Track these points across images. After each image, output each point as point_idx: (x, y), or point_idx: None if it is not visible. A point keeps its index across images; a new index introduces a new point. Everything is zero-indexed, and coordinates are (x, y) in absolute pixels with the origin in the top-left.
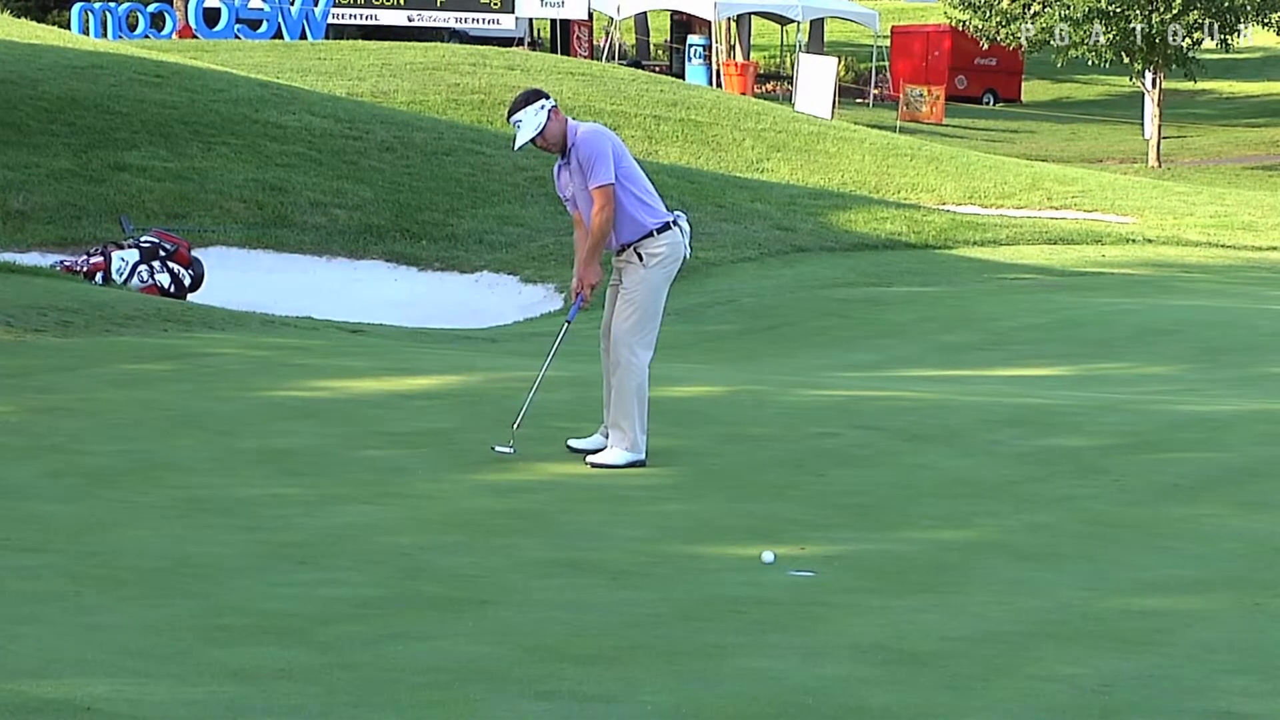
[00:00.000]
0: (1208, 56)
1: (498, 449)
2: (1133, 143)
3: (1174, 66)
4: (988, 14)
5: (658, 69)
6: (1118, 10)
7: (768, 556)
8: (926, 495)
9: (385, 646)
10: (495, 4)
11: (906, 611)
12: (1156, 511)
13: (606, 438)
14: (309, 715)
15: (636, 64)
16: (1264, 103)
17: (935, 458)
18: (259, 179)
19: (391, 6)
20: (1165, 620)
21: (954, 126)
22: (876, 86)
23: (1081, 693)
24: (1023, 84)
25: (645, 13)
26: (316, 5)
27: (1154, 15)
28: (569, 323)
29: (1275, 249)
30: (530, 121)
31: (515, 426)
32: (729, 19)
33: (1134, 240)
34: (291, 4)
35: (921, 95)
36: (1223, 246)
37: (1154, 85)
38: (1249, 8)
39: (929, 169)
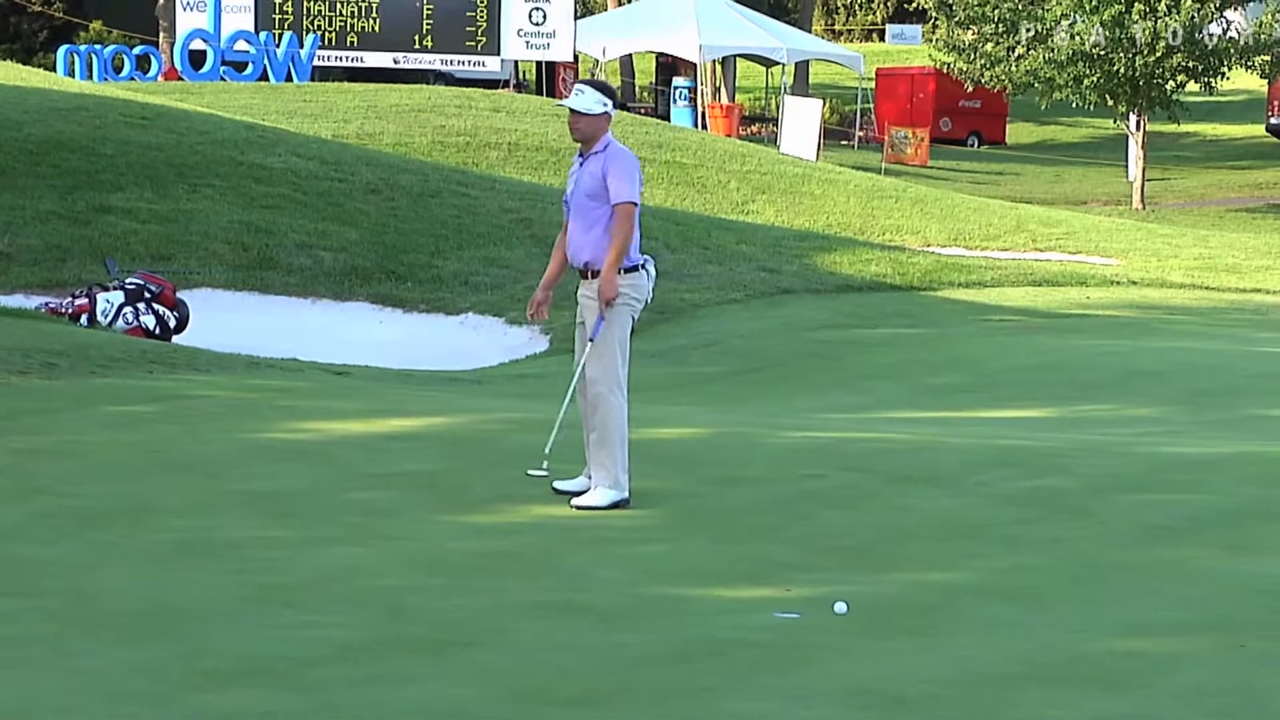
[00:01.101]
0: (1191, 99)
1: (531, 472)
2: (1117, 185)
3: (1158, 109)
4: (972, 56)
5: (643, 111)
6: (1102, 53)
7: (840, 608)
8: (913, 537)
9: (370, 689)
10: (481, 47)
11: (893, 654)
12: (1142, 553)
13: (590, 479)
14: None
15: (622, 106)
16: (1247, 145)
17: (922, 499)
18: (244, 221)
19: (377, 49)
20: (1151, 662)
21: (939, 169)
22: (861, 129)
23: None
24: (1007, 126)
25: (630, 55)
26: (302, 48)
27: (1138, 58)
28: (592, 341)
29: (1259, 291)
30: (588, 100)
31: (547, 451)
32: (714, 61)
33: (1118, 282)
34: (277, 46)
35: (906, 137)
36: (1207, 289)
37: (1138, 128)
38: (1232, 51)
39: (914, 211)
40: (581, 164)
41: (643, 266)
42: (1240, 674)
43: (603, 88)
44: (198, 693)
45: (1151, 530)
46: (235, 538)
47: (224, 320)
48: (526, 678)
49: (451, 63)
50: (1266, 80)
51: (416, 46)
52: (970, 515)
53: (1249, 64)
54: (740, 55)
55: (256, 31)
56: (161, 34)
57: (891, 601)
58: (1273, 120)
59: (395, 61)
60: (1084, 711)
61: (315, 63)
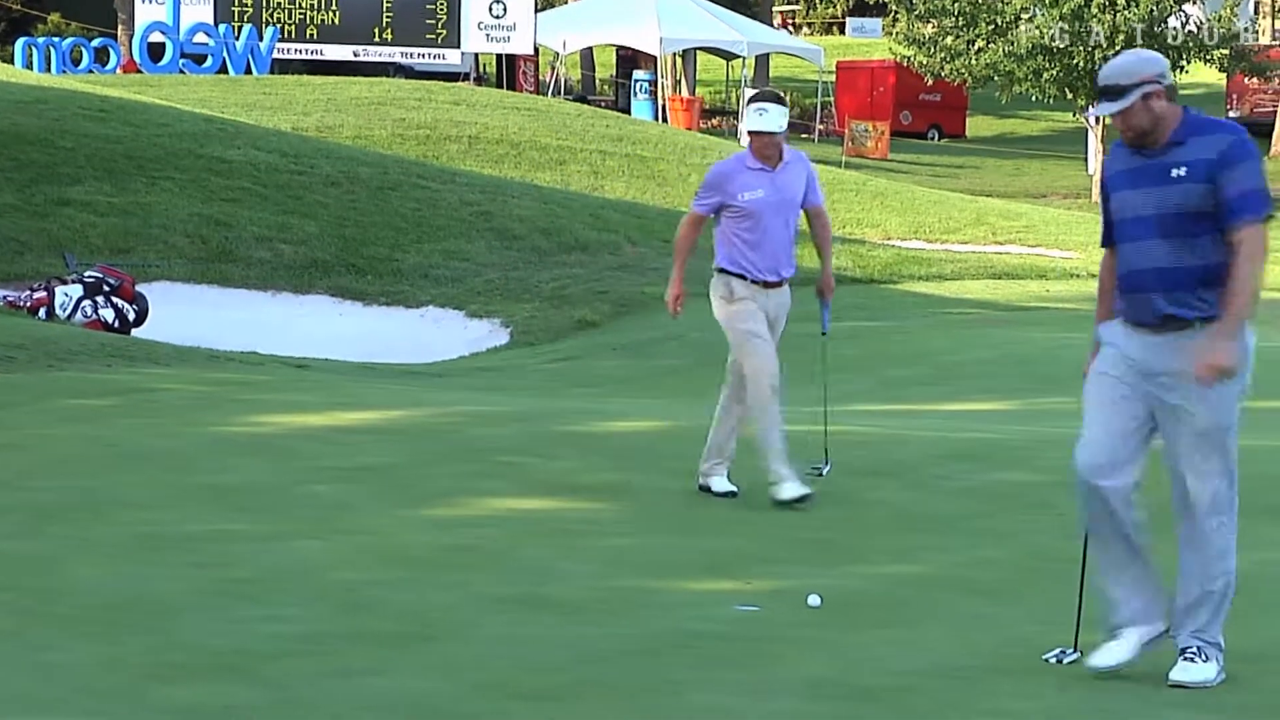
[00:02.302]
0: None
1: (811, 471)
2: (1076, 178)
3: None
4: (932, 50)
5: (603, 104)
6: (1062, 47)
7: (814, 600)
8: (876, 530)
9: (332, 683)
10: (441, 40)
11: (860, 647)
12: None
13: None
14: None
15: (582, 99)
16: None
17: (884, 493)
18: (203, 214)
19: (336, 42)
20: None
21: (899, 162)
22: (821, 122)
23: None
24: (967, 120)
25: (591, 48)
26: (261, 40)
27: (1097, 52)
28: (825, 334)
29: None
30: (779, 116)
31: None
32: (675, 54)
33: (1078, 275)
34: (236, 39)
35: (866, 130)
36: None
37: (1097, 121)
38: (1191, 45)
39: (874, 204)
40: (763, 170)
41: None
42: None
43: (778, 98)
44: (162, 686)
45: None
46: (197, 531)
47: (183, 313)
48: (489, 671)
49: (411, 56)
50: (1225, 74)
51: (376, 39)
52: (932, 508)
53: (1207, 58)
54: (701, 48)
55: (216, 24)
56: (120, 26)
57: (857, 594)
58: (1232, 114)
59: (355, 54)
60: (1051, 704)
61: (275, 55)
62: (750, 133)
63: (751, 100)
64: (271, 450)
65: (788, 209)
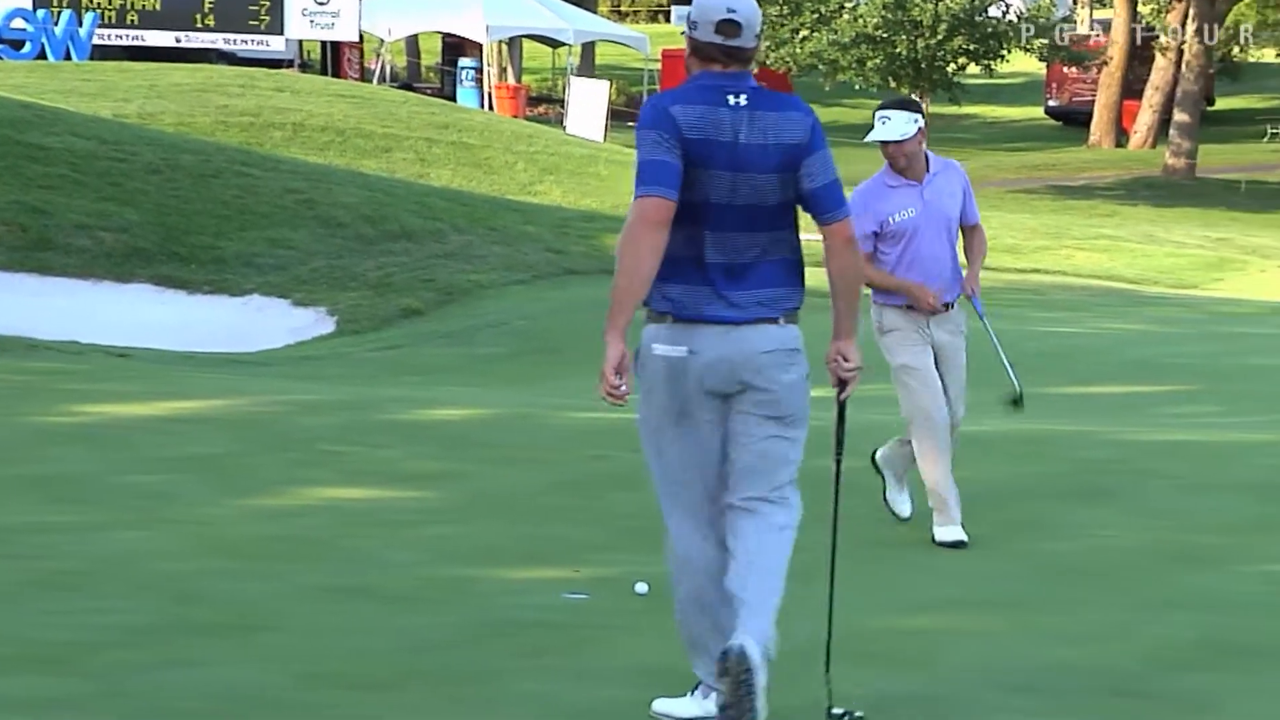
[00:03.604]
0: (972, 81)
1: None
2: None
3: (939, 91)
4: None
5: (429, 91)
6: (885, 35)
7: (641, 588)
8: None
9: (158, 674)
10: (264, 26)
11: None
12: (921, 532)
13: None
14: None
15: (407, 86)
16: (1025, 127)
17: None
18: (21, 201)
19: (158, 28)
20: (936, 639)
21: None
22: None
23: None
24: None
25: (416, 35)
26: (81, 26)
27: (919, 40)
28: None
29: (1037, 271)
30: (902, 124)
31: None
32: (500, 42)
33: None
34: (55, 24)
35: None
36: (986, 269)
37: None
38: (1011, 34)
39: None
40: (905, 185)
41: None
42: (1021, 649)
43: (906, 103)
44: None
45: (929, 510)
46: (16, 523)
47: (0, 303)
48: (315, 661)
49: (234, 42)
50: (1045, 63)
51: (198, 25)
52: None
53: (1027, 47)
54: (526, 36)
55: (34, 9)
56: None
57: None
58: (1051, 103)
59: (177, 40)
60: (871, 688)
61: (95, 41)
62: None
63: (877, 109)
64: (93, 440)
65: (942, 224)
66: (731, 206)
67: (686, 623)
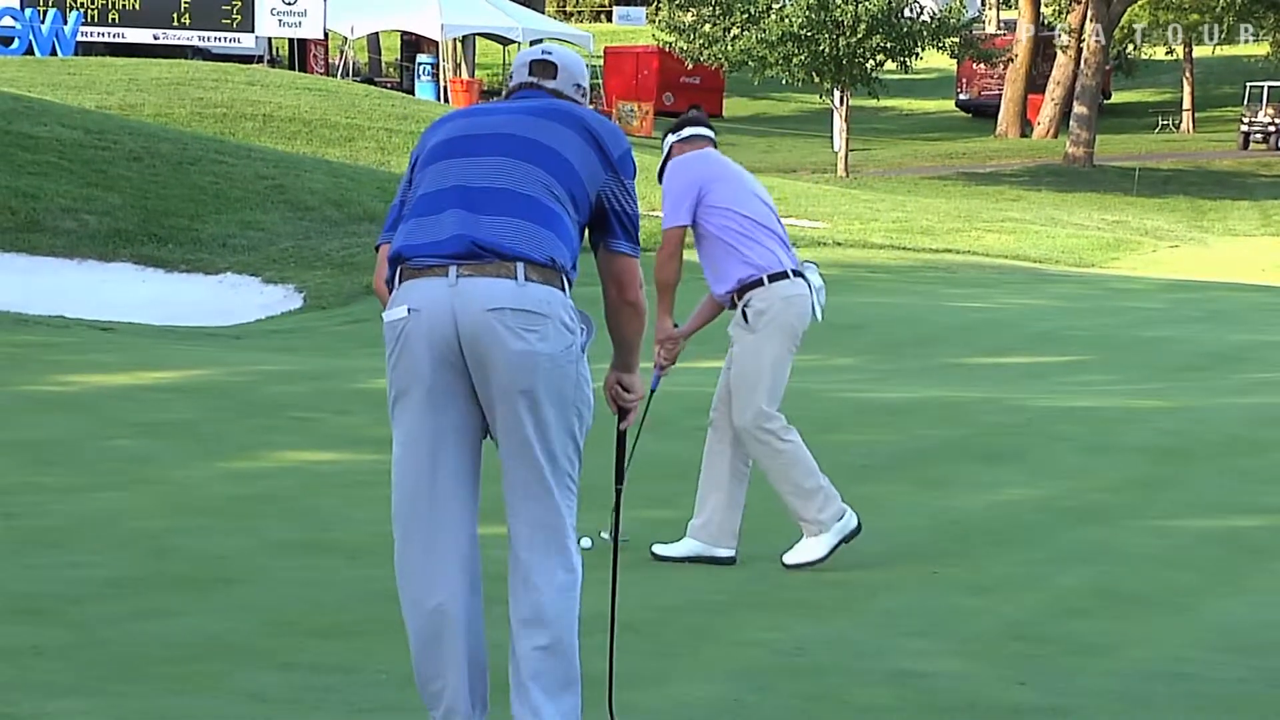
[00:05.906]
0: (889, 77)
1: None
2: (823, 155)
3: (859, 86)
4: (691, 37)
5: (389, 85)
6: (809, 34)
7: (585, 543)
8: (637, 477)
9: (134, 624)
10: (236, 24)
11: (623, 585)
12: (844, 490)
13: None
14: (61, 691)
15: (369, 80)
16: (938, 119)
17: (643, 443)
18: (11, 186)
19: (137, 25)
20: (853, 590)
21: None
22: (592, 102)
23: (779, 655)
24: (724, 100)
25: (377, 33)
26: (66, 23)
27: (841, 39)
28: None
29: (950, 251)
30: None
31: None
32: (455, 39)
33: (825, 243)
34: (42, 22)
35: (633, 110)
36: (904, 249)
37: (842, 103)
38: (925, 33)
39: (639, 178)
40: None
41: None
42: (931, 598)
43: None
44: None
45: (853, 469)
46: (4, 484)
47: None
48: (282, 611)
49: (209, 39)
50: (956, 60)
51: (175, 23)
52: (687, 456)
53: (940, 45)
54: (479, 34)
55: (22, 8)
56: None
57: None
58: (961, 96)
59: (155, 37)
60: (793, 634)
61: (79, 38)
62: None
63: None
64: (78, 407)
65: None
66: None
67: None
